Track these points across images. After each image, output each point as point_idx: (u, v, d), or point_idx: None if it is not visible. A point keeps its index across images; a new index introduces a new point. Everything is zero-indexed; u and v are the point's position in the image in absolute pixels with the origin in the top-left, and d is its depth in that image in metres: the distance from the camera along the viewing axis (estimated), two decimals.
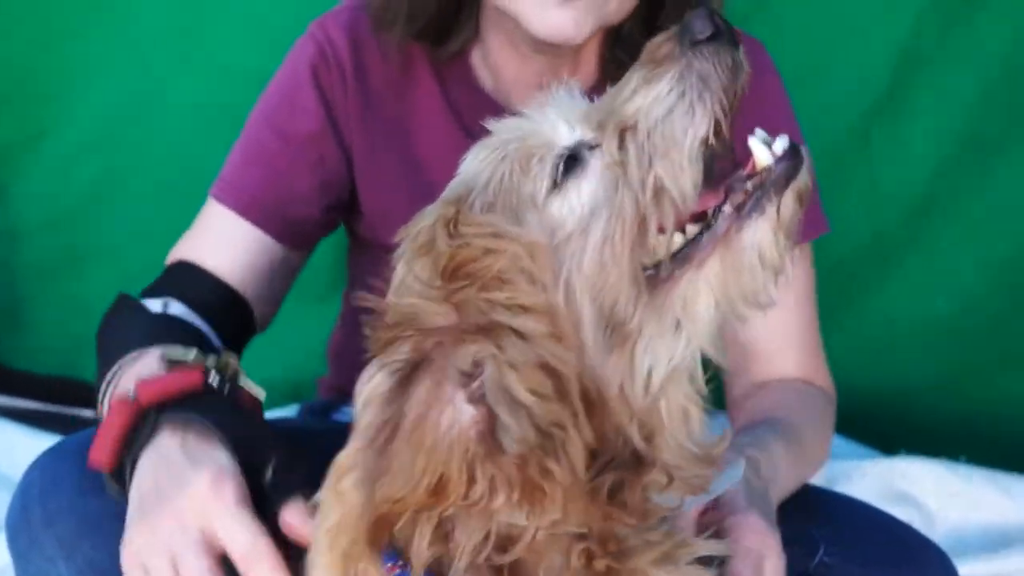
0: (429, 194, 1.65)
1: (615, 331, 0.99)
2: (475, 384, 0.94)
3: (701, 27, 1.02)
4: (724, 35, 1.02)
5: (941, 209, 2.66)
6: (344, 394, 1.20)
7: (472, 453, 0.93)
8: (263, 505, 1.16)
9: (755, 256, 1.02)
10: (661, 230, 1.01)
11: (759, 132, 1.06)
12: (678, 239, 1.02)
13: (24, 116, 2.70)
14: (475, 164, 1.09)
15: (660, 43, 1.04)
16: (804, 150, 1.04)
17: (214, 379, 1.26)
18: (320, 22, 1.68)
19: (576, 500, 0.96)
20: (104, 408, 1.39)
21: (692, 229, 1.02)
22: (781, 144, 1.04)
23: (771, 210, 1.02)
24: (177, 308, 1.53)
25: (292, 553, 1.12)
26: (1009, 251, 2.66)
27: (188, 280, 1.60)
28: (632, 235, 0.99)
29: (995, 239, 2.65)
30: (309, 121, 1.64)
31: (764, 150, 1.04)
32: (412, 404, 0.94)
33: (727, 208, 1.02)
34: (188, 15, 2.64)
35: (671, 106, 1.01)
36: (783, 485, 1.41)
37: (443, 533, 0.97)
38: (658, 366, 1.00)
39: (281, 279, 1.71)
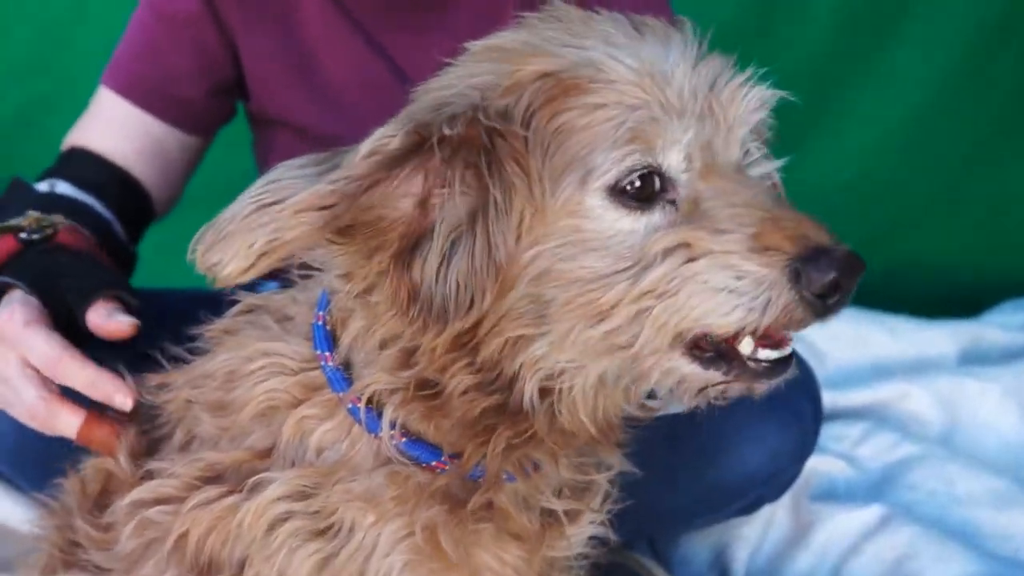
0: (310, 68, 1.73)
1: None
2: (437, 199, 0.98)
3: (823, 283, 0.93)
4: (841, 301, 0.95)
5: (839, 86, 2.78)
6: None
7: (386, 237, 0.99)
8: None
9: None
10: None
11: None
12: None
13: None
14: None
15: (781, 224, 0.96)
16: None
17: (28, 236, 1.39)
18: None
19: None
20: None
21: None
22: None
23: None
24: (64, 187, 1.61)
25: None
26: (901, 117, 2.80)
27: (76, 163, 1.68)
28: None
29: (887, 110, 2.79)
30: (187, 2, 1.71)
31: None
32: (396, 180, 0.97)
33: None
34: None
35: (726, 286, 0.95)
36: None
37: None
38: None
39: (176, 165, 1.78)
